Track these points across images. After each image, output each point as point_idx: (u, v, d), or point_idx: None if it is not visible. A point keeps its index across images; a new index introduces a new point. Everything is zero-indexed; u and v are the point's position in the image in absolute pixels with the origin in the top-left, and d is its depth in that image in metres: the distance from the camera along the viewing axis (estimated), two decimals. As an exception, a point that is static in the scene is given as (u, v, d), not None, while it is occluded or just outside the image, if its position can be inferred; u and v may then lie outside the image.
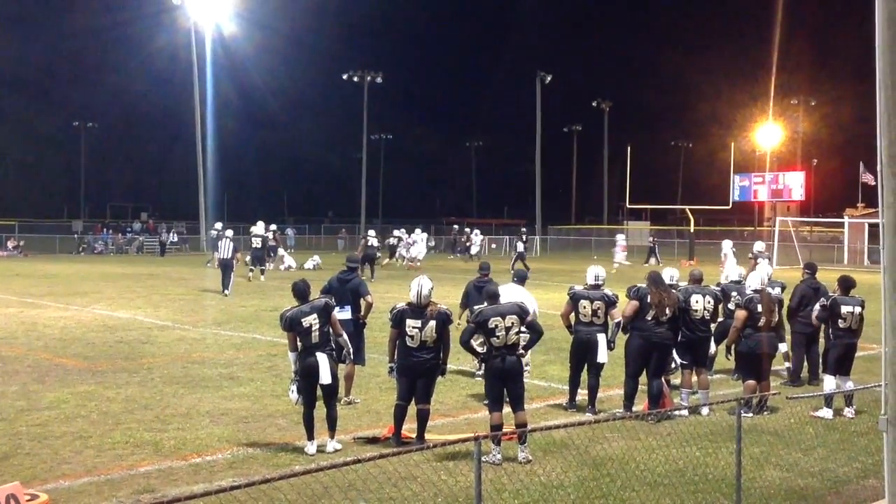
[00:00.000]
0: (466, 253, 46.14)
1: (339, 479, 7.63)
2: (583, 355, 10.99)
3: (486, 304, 9.23)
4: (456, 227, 49.35)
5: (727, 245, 28.21)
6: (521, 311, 9.09)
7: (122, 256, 51.02)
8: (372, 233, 34.74)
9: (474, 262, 41.20)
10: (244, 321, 19.00)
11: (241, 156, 75.20)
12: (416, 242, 42.09)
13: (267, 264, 32.73)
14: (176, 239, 56.59)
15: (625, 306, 10.92)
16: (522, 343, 9.17)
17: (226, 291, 25.11)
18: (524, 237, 42.13)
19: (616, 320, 10.93)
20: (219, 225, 26.82)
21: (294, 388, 9.05)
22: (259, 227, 31.08)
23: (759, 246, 20.30)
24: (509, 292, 10.77)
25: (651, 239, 48.00)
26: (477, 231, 48.58)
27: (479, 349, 9.17)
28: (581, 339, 10.96)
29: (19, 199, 65.31)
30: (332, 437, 8.99)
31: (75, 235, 57.03)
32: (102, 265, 40.65)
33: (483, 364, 9.31)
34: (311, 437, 8.92)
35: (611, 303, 10.99)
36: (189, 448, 8.99)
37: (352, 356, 10.31)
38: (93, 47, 73.09)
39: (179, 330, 17.82)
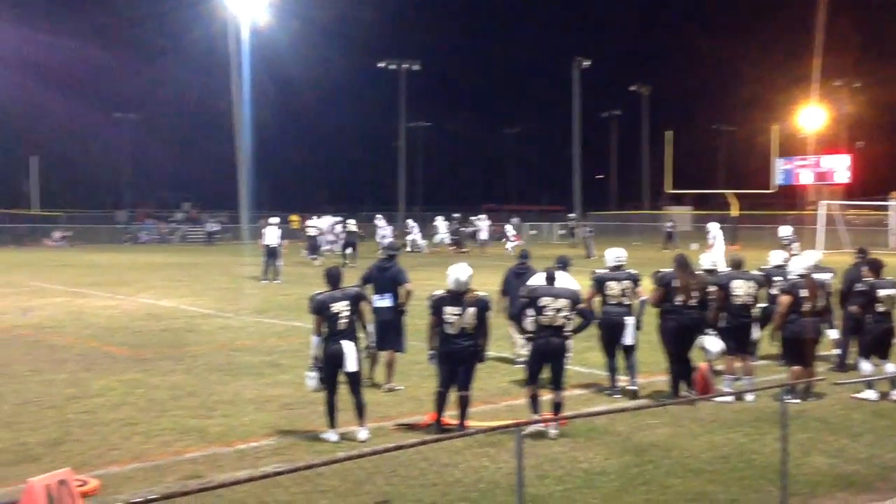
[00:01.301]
0: (474, 240, 45.16)
1: (381, 465, 7.70)
2: (611, 338, 11.09)
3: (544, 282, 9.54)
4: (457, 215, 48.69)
5: (714, 227, 27.97)
6: (574, 297, 9.37)
7: (165, 246, 51.60)
8: (352, 221, 35.50)
9: (485, 249, 41.33)
10: (286, 309, 19.15)
11: (279, 145, 75.51)
12: (481, 229, 42.64)
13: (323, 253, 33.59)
14: (218, 228, 57.10)
15: (651, 292, 10.98)
16: (570, 327, 9.32)
17: (276, 280, 25.49)
18: (590, 226, 42.83)
19: (641, 298, 11.05)
20: (275, 220, 27.29)
21: (312, 374, 9.01)
22: (325, 220, 32.31)
23: (785, 231, 20.01)
24: (560, 278, 10.86)
25: (670, 223, 47.62)
26: (483, 216, 47.32)
27: (527, 326, 9.41)
28: (609, 321, 11.05)
29: (65, 190, 66.22)
30: (361, 424, 9.01)
31: (120, 226, 57.76)
32: (147, 255, 41.17)
33: (529, 342, 9.48)
34: (332, 425, 8.94)
35: (636, 281, 11.14)
36: (234, 434, 9.10)
37: (376, 346, 10.39)
38: (133, 38, 73.82)
39: (222, 318, 18.02)
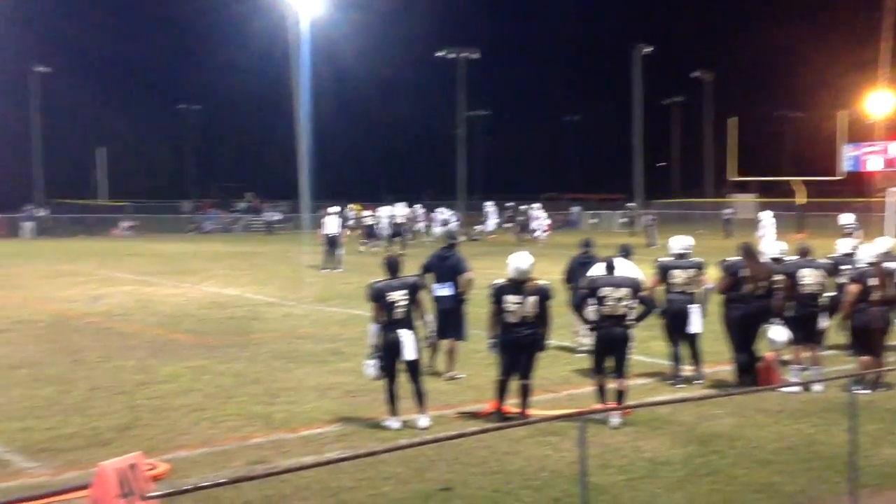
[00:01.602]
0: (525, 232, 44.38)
1: (443, 452, 7.74)
2: (676, 326, 10.99)
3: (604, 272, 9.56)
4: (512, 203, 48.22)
5: (766, 215, 27.39)
6: (634, 285, 9.37)
7: (228, 235, 52.34)
8: (400, 212, 36.08)
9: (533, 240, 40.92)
10: (347, 298, 19.30)
11: (340, 136, 75.97)
12: (539, 218, 42.38)
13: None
14: (280, 217, 57.77)
15: (718, 281, 10.85)
16: (632, 316, 9.30)
17: (337, 269, 25.80)
18: (652, 214, 42.47)
19: (706, 286, 10.97)
20: (335, 209, 27.75)
21: (371, 362, 9.05)
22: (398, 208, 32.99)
23: (846, 219, 19.53)
24: (620, 267, 10.82)
25: (729, 211, 46.93)
26: (536, 205, 46.17)
27: (590, 316, 9.43)
28: (674, 308, 10.95)
29: (131, 180, 67.52)
30: (422, 412, 9.05)
31: (184, 215, 58.74)
32: (210, 244, 41.81)
33: (592, 332, 9.49)
34: (394, 413, 9.00)
35: (701, 269, 11.05)
36: (298, 421, 9.22)
37: (436, 336, 10.42)
38: (195, 30, 74.91)
39: (285, 307, 18.24)
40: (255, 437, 8.65)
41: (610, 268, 9.67)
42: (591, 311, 9.50)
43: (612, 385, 9.38)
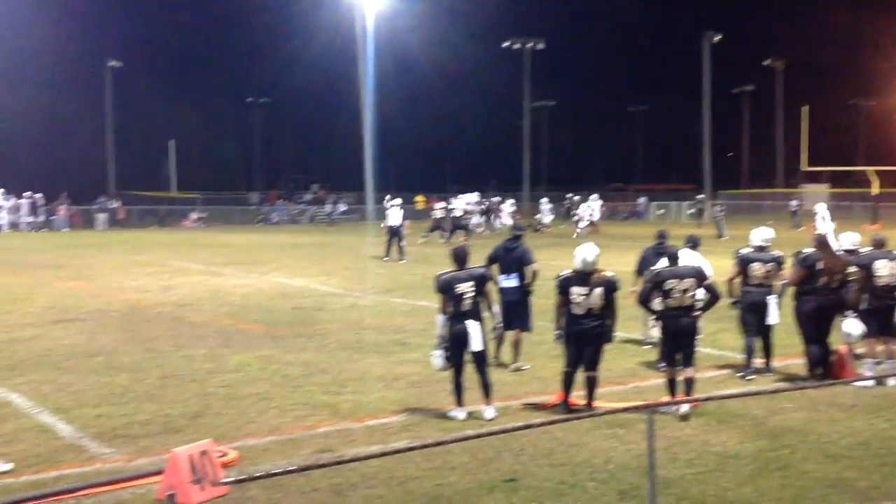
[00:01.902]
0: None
1: (509, 443, 7.75)
2: (753, 317, 10.83)
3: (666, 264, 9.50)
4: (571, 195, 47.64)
5: (822, 207, 26.46)
6: (699, 275, 9.31)
7: (294, 226, 52.94)
8: (458, 205, 35.71)
9: (597, 228, 40.40)
10: (412, 289, 19.40)
11: (404, 127, 76.28)
12: (590, 210, 42.02)
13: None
14: (345, 209, 58.26)
15: (792, 273, 10.67)
16: (698, 306, 9.27)
17: (402, 259, 26.12)
18: (721, 205, 41.85)
19: (784, 281, 10.82)
20: (398, 201, 28.05)
21: (438, 353, 9.06)
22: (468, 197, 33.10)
23: None
24: (683, 257, 10.70)
25: (795, 202, 45.82)
26: (594, 196, 44.35)
27: (656, 308, 9.42)
28: (753, 300, 10.80)
29: (201, 172, 68.71)
30: (488, 403, 9.04)
31: (252, 207, 59.57)
32: (277, 235, 42.35)
33: (658, 323, 9.49)
34: (460, 404, 9.01)
35: (780, 264, 10.92)
36: (364, 411, 9.29)
37: (503, 326, 10.40)
38: (263, 24, 75.87)
39: (351, 297, 18.40)
40: (322, 426, 8.74)
41: (673, 259, 9.59)
42: (657, 304, 9.45)
43: (680, 377, 9.29)
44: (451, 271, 9.13)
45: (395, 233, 26.88)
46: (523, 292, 11.39)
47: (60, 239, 39.78)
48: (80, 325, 14.86)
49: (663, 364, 9.77)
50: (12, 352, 12.09)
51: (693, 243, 11.86)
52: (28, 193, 47.08)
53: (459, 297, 8.96)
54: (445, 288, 9.00)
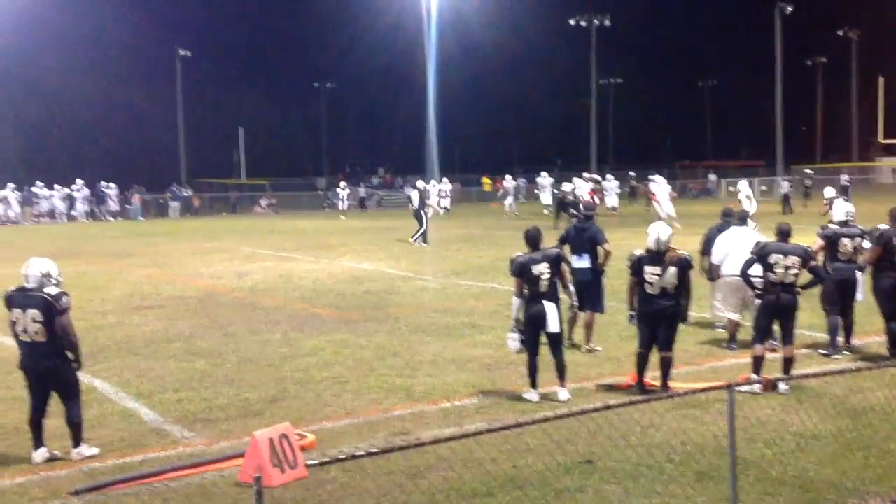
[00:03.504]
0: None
1: (585, 425, 7.70)
2: (841, 294, 10.67)
3: (775, 238, 9.46)
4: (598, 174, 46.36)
5: (829, 191, 23.93)
6: (805, 255, 9.25)
7: (362, 211, 53.30)
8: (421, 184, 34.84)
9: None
10: (481, 271, 19.41)
11: (468, 108, 76.08)
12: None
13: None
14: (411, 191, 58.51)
15: (868, 251, 10.45)
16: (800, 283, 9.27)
17: (413, 240, 26.33)
18: (790, 180, 40.77)
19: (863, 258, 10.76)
20: (420, 183, 28.46)
21: (514, 335, 9.07)
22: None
23: None
24: (739, 235, 10.69)
25: (846, 177, 43.45)
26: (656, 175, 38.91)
27: (756, 283, 9.38)
28: (841, 278, 10.59)
29: (268, 159, 69.58)
30: (562, 385, 9.02)
31: (319, 192, 60.12)
32: (346, 219, 42.66)
33: (758, 298, 9.42)
34: (534, 385, 9.01)
35: (864, 237, 10.86)
36: (438, 393, 9.35)
37: (578, 307, 10.34)
38: (328, 9, 76.12)
39: (421, 280, 18.48)
40: (396, 409, 8.82)
41: (782, 234, 9.44)
42: (757, 278, 9.35)
43: (776, 354, 9.20)
44: (525, 253, 9.11)
45: (415, 215, 27.42)
46: (595, 273, 11.31)
47: (135, 227, 40.68)
48: (158, 311, 15.20)
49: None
50: (94, 339, 12.42)
51: (741, 219, 11.72)
52: (103, 183, 48.19)
53: (535, 279, 8.94)
54: (521, 270, 8.99)
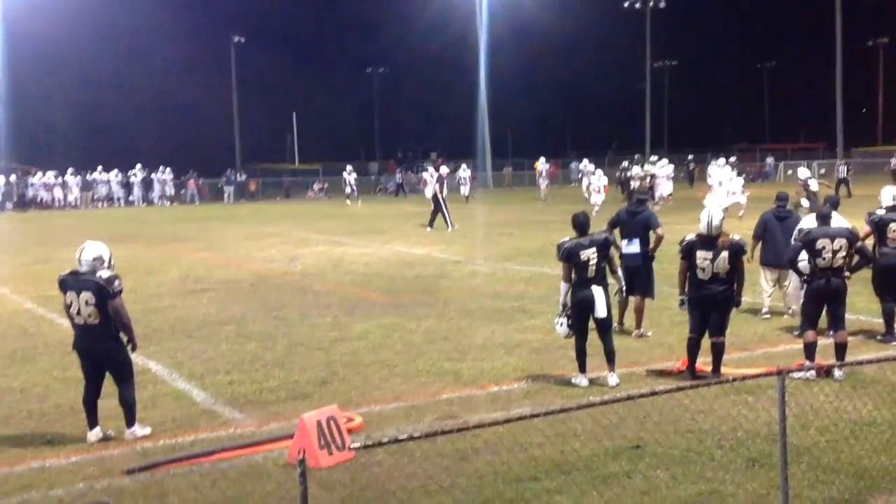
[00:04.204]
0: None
1: (633, 410, 7.64)
2: (890, 280, 10.41)
3: (817, 224, 9.29)
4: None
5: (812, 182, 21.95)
6: (851, 236, 9.08)
7: (413, 195, 53.33)
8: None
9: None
10: (532, 255, 19.33)
11: (521, 92, 75.68)
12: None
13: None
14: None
15: None
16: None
17: (428, 228, 26.49)
18: (848, 164, 39.60)
19: None
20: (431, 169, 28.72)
21: (562, 320, 9.01)
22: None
23: None
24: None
25: (847, 166, 41.07)
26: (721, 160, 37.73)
27: (804, 269, 9.24)
28: (889, 263, 10.33)
29: (321, 144, 70.00)
30: (612, 370, 8.94)
31: (371, 177, 60.32)
32: (397, 204, 42.80)
33: (805, 284, 9.26)
34: (583, 370, 8.95)
35: None
36: (486, 377, 9.34)
37: (625, 292, 10.23)
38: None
39: (471, 265, 18.46)
40: (444, 393, 8.83)
41: (825, 219, 9.27)
42: (804, 264, 9.21)
43: (827, 340, 9.06)
44: (573, 238, 9.03)
45: (433, 200, 27.56)
46: (645, 258, 11.19)
47: (190, 212, 41.24)
48: (211, 294, 15.39)
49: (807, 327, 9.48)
50: (148, 321, 12.61)
51: (833, 204, 11.45)
52: (160, 168, 48.90)
53: (583, 264, 8.87)
54: (569, 256, 8.92)
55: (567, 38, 75.80)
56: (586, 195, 32.75)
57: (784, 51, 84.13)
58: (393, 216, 33.86)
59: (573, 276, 8.92)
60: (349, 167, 45.85)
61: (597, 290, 8.87)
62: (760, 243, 11.90)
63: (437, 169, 31.17)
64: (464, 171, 43.03)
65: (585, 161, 43.10)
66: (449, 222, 26.77)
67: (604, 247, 9.03)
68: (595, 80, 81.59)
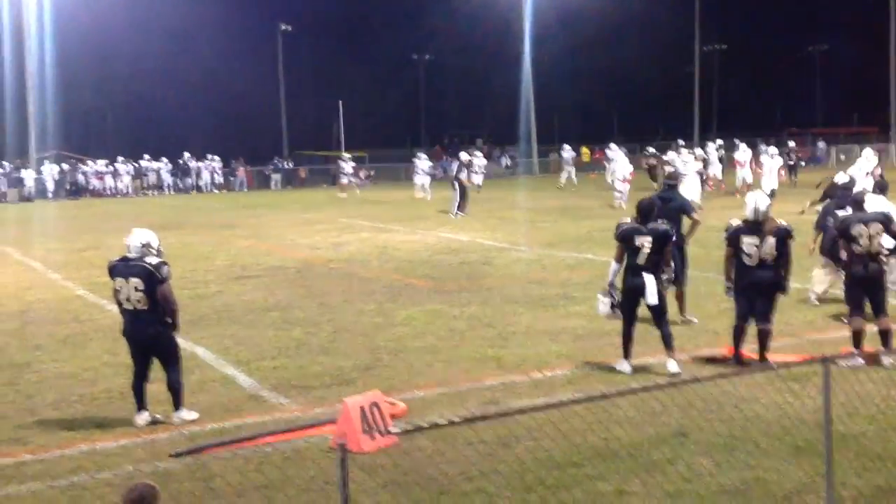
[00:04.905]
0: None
1: (677, 397, 7.58)
2: None
3: (850, 210, 9.26)
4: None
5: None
6: (884, 219, 8.96)
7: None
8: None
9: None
10: (577, 242, 19.24)
11: (567, 78, 75.08)
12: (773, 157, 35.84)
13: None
14: (509, 163, 58.34)
15: None
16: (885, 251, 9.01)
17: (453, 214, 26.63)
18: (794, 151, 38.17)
19: None
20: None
21: (606, 300, 8.97)
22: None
23: None
24: (872, 203, 10.24)
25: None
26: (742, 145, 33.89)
27: (843, 257, 9.17)
28: None
29: (367, 131, 70.15)
30: (671, 356, 8.86)
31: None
32: (442, 190, 42.74)
33: (845, 271, 9.21)
34: (627, 356, 8.90)
35: None
36: (529, 364, 9.33)
37: (672, 281, 10.12)
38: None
39: (516, 251, 18.43)
40: (487, 379, 8.84)
41: (858, 204, 9.16)
42: (843, 252, 9.11)
43: (872, 327, 8.93)
44: (632, 223, 8.99)
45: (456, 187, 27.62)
46: (678, 245, 11.04)
47: (238, 199, 41.62)
48: (257, 281, 15.54)
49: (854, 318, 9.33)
50: (196, 307, 12.78)
51: (881, 188, 11.26)
52: (208, 156, 49.39)
53: (636, 250, 8.82)
54: (624, 238, 8.90)
55: (613, 22, 74.94)
56: (611, 182, 31.20)
57: (836, 35, 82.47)
58: (438, 202, 33.84)
59: (625, 259, 8.88)
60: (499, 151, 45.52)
61: (647, 278, 8.80)
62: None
63: (464, 155, 31.11)
64: (477, 159, 41.51)
65: (613, 147, 39.98)
66: (456, 209, 26.96)
67: (661, 239, 8.91)
68: (643, 65, 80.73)
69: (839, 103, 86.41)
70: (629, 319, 8.93)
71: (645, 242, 8.82)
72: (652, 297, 8.81)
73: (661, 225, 9.09)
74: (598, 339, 10.12)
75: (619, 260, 8.96)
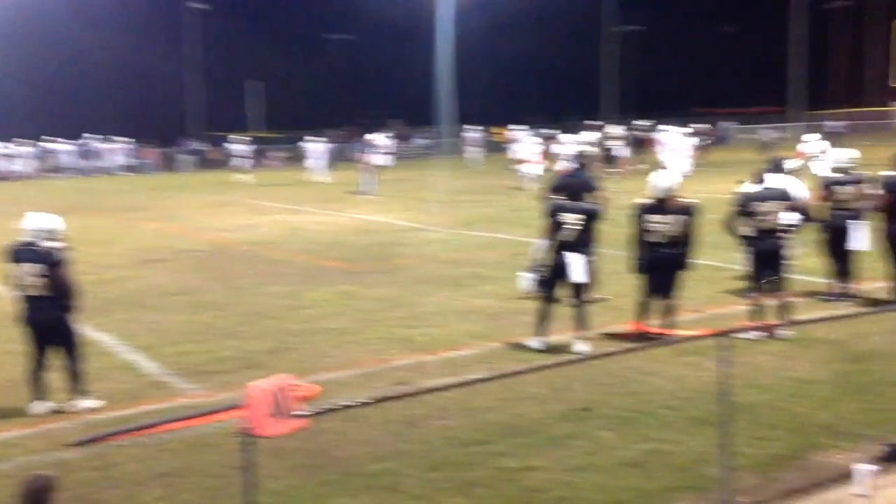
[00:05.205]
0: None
1: (583, 372, 7.72)
2: (837, 241, 10.80)
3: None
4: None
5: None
6: (782, 196, 9.27)
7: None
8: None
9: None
10: (490, 221, 19.36)
11: (482, 58, 75.22)
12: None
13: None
14: (426, 143, 58.43)
15: (879, 197, 10.38)
16: (783, 226, 9.23)
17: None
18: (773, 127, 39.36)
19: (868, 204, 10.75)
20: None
21: (529, 276, 9.07)
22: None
23: None
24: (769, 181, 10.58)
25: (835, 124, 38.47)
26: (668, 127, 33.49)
27: (743, 232, 9.39)
28: (835, 225, 10.86)
29: (283, 112, 69.31)
30: (579, 336, 8.92)
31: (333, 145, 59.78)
32: (357, 172, 42.45)
33: (747, 246, 9.42)
34: (540, 333, 8.96)
35: (862, 184, 10.82)
36: (440, 344, 9.36)
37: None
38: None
39: (428, 232, 18.45)
40: (398, 360, 8.84)
41: (760, 181, 9.44)
42: (745, 228, 9.36)
43: (771, 302, 9.16)
44: (561, 199, 9.08)
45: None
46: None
47: (147, 181, 40.71)
48: (165, 265, 15.25)
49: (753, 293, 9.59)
50: (100, 292, 12.45)
51: (776, 167, 11.55)
52: (115, 137, 48.15)
53: (564, 227, 8.88)
54: (551, 213, 8.96)
55: (529, 5, 75.46)
56: (516, 166, 29.44)
57: (742, 15, 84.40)
58: (351, 183, 33.63)
59: (552, 236, 8.94)
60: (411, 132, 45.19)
61: (572, 256, 8.87)
62: None
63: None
64: (380, 139, 40.18)
65: (514, 127, 39.14)
66: (362, 189, 27.27)
67: (590, 216, 9.02)
68: (555, 46, 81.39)
69: (741, 83, 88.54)
70: (547, 296, 9.01)
71: (572, 219, 8.90)
72: (577, 275, 8.88)
73: (590, 203, 9.21)
74: (509, 318, 10.20)
75: (546, 237, 9.03)
